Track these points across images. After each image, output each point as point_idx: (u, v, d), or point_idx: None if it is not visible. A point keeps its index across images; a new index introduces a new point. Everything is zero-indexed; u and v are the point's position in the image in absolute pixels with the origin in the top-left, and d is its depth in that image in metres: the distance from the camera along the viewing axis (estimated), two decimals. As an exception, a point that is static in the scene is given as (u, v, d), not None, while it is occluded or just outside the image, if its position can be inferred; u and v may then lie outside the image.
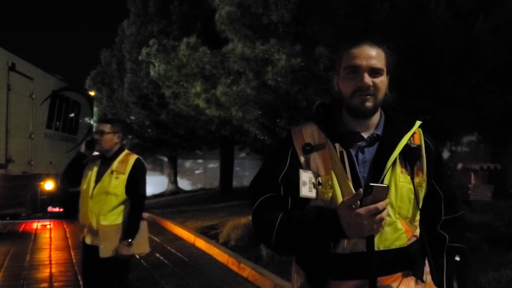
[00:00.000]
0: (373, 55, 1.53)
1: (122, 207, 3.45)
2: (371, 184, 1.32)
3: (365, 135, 1.57)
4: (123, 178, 3.42)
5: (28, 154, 10.21)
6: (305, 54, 6.84)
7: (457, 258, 1.63)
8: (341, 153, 1.53)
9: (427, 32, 6.55)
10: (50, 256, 7.63)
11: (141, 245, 3.54)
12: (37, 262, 7.17)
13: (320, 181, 1.52)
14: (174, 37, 10.60)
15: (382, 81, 1.55)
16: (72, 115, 13.16)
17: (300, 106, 7.78)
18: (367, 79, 1.50)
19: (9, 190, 9.79)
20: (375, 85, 1.52)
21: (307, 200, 1.52)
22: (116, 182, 3.40)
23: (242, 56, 7.21)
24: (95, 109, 16.26)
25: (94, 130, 3.55)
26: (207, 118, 11.00)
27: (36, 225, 11.62)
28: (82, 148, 3.50)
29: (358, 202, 1.33)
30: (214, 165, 24.40)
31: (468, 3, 6.38)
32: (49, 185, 11.39)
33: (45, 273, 6.44)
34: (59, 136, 12.22)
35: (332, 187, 1.50)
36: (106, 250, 3.35)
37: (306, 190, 1.51)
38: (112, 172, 3.42)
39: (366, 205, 1.32)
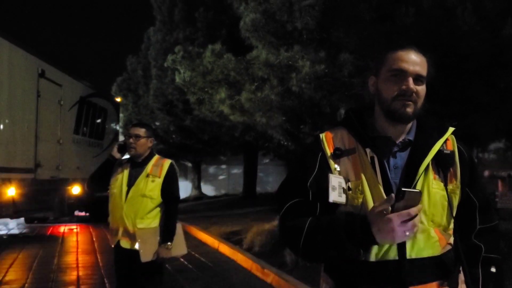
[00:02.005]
0: (418, 61, 1.51)
1: (157, 210, 3.49)
2: (403, 189, 1.29)
3: (397, 140, 1.54)
4: (159, 181, 3.46)
5: (56, 159, 10.44)
6: (329, 61, 6.83)
7: (493, 269, 1.58)
8: (372, 158, 1.50)
9: (454, 37, 6.47)
10: (77, 259, 7.77)
11: (179, 247, 3.59)
12: (65, 265, 7.32)
13: (350, 186, 1.48)
14: (199, 44, 10.73)
15: (423, 89, 1.52)
16: (99, 121, 13.40)
17: (324, 112, 7.77)
18: (412, 84, 1.47)
19: (37, 194, 10.03)
20: (417, 92, 1.49)
21: (336, 205, 1.48)
22: (152, 185, 3.43)
23: (267, 63, 7.24)
24: (121, 115, 16.53)
25: (128, 133, 3.56)
26: (231, 124, 11.05)
27: (63, 228, 11.85)
28: (114, 152, 3.52)
29: (390, 207, 1.29)
30: (237, 170, 24.48)
31: (495, 7, 6.28)
32: (76, 189, 11.61)
33: (72, 276, 6.56)
34: (86, 142, 12.46)
35: (362, 192, 1.46)
36: (146, 254, 3.37)
37: (336, 195, 1.48)
38: (148, 175, 3.45)
39: (397, 210, 1.29)
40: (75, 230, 11.58)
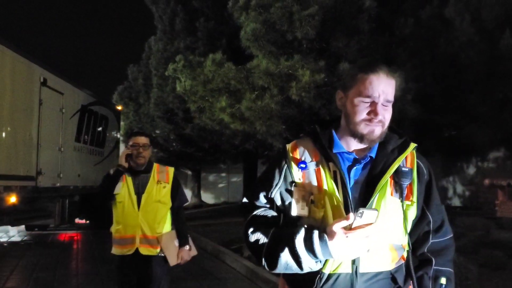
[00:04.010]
0: (389, 86, 1.53)
1: (169, 215, 3.64)
2: (361, 209, 1.35)
3: (360, 156, 1.58)
4: (168, 187, 3.60)
5: (57, 167, 10.46)
6: (329, 70, 6.91)
7: (443, 282, 1.62)
8: (335, 172, 1.55)
9: (452, 48, 6.55)
10: (77, 267, 7.78)
11: (193, 249, 3.80)
12: (65, 272, 7.33)
13: (313, 199, 1.54)
14: (200, 53, 10.81)
15: (390, 111, 1.55)
16: (100, 129, 13.43)
17: (317, 119, 7.84)
18: (381, 112, 1.51)
19: (38, 202, 10.05)
20: (385, 117, 1.53)
21: (298, 216, 1.55)
22: (164, 191, 3.57)
23: (267, 72, 7.32)
24: (121, 123, 16.57)
25: (135, 143, 3.59)
26: (232, 132, 11.11)
27: (63, 236, 11.86)
28: (123, 161, 3.54)
29: (348, 225, 1.37)
30: (237, 178, 24.47)
31: (493, 19, 6.36)
32: (76, 197, 11.64)
33: (72, 283, 6.58)
34: (87, 150, 12.49)
35: (324, 206, 1.52)
36: (173, 258, 3.54)
37: (299, 208, 1.54)
38: (158, 182, 3.56)
39: (355, 228, 1.36)
40: (75, 238, 11.59)
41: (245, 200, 1.70)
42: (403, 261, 1.60)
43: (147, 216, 3.49)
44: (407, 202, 1.56)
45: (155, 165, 3.66)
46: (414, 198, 1.58)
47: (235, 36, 8.75)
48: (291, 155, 1.63)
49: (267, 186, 1.63)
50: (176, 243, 3.61)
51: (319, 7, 6.86)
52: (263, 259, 1.53)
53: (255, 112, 7.76)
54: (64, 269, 7.58)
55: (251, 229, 1.58)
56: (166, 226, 3.60)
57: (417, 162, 1.63)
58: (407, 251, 1.60)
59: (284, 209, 1.59)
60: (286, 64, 7.17)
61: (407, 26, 6.92)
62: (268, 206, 1.62)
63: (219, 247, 8.92)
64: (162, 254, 3.50)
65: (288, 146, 1.67)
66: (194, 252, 3.83)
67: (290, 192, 1.57)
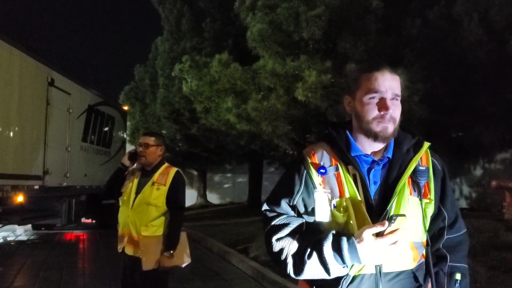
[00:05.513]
0: (394, 81, 1.56)
1: (162, 219, 3.50)
2: (393, 215, 1.39)
3: (377, 157, 1.60)
4: (164, 189, 3.49)
5: (64, 167, 10.52)
6: (335, 70, 6.88)
7: (458, 277, 1.64)
8: (354, 175, 1.56)
9: (460, 48, 6.50)
10: (83, 266, 7.81)
11: (181, 256, 3.57)
12: (71, 272, 7.35)
13: (335, 203, 1.55)
14: (206, 54, 10.81)
15: (400, 107, 1.58)
16: (106, 129, 13.48)
17: (330, 121, 7.81)
18: (391, 106, 1.53)
19: (45, 201, 10.11)
20: (395, 112, 1.55)
21: (321, 222, 1.56)
22: (157, 193, 3.46)
23: (273, 72, 7.31)
24: (128, 123, 16.62)
25: (138, 142, 3.58)
26: (237, 132, 11.10)
27: (70, 235, 11.91)
28: (125, 160, 3.57)
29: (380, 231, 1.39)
30: (243, 179, 24.47)
31: (502, 19, 6.31)
32: (83, 197, 11.69)
33: (79, 282, 6.60)
34: (94, 149, 12.54)
35: (346, 210, 1.53)
36: (148, 263, 3.38)
37: (322, 213, 1.55)
38: (153, 183, 3.49)
39: (385, 234, 1.39)
40: (81, 237, 11.63)
41: (265, 207, 1.68)
42: (423, 259, 1.61)
43: (136, 217, 3.44)
44: (425, 200, 1.58)
45: (162, 166, 3.61)
46: (432, 196, 1.61)
47: (241, 37, 8.75)
48: (310, 160, 1.63)
49: (289, 193, 1.63)
50: (161, 248, 3.44)
51: (325, 8, 6.84)
52: (288, 266, 1.53)
53: (261, 113, 7.75)
54: (70, 269, 7.60)
55: (275, 237, 1.57)
56: (156, 230, 3.46)
57: (432, 160, 1.65)
58: (426, 248, 1.61)
59: (306, 215, 1.60)
60: (293, 65, 7.16)
61: (415, 27, 6.88)
62: (291, 213, 1.62)
63: (225, 248, 8.92)
64: (140, 257, 3.39)
65: (306, 152, 1.67)
66: (185, 260, 3.61)
67: (312, 198, 1.58)
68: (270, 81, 7.45)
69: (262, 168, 19.61)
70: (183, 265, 3.60)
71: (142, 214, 3.44)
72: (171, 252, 3.43)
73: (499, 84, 6.66)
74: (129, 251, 3.46)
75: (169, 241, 3.46)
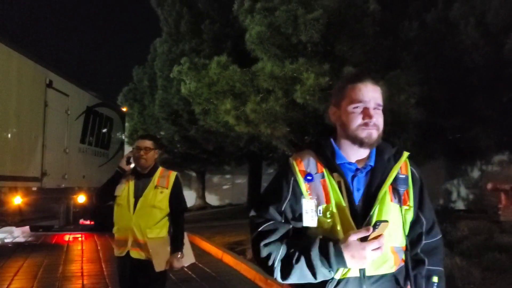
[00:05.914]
0: (376, 92, 1.66)
1: (165, 220, 3.57)
2: (377, 220, 1.47)
3: (360, 165, 1.68)
4: (167, 192, 3.55)
5: (62, 168, 10.53)
6: (333, 73, 6.91)
7: (435, 280, 1.73)
8: (339, 182, 1.63)
9: (457, 51, 6.54)
10: (82, 268, 7.82)
11: (188, 256, 3.69)
12: (69, 273, 7.37)
13: (321, 210, 1.61)
14: (205, 56, 10.82)
15: (382, 115, 1.66)
16: (104, 130, 13.50)
17: (327, 124, 7.83)
18: (374, 115, 1.62)
19: (43, 203, 10.10)
20: (378, 120, 1.64)
21: (307, 227, 1.62)
22: (161, 196, 3.52)
23: (271, 75, 7.33)
24: (126, 124, 16.63)
25: (137, 146, 3.61)
26: (236, 134, 11.12)
27: (68, 237, 11.91)
28: (123, 163, 3.59)
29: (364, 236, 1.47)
30: (241, 180, 24.48)
31: (499, 22, 6.35)
32: (81, 198, 11.69)
33: (77, 284, 6.61)
34: (92, 151, 12.56)
35: (332, 216, 1.60)
36: (160, 264, 3.46)
37: (309, 220, 1.61)
38: (156, 187, 3.53)
39: (369, 239, 1.47)
40: (80, 239, 11.63)
41: (253, 213, 1.74)
42: (403, 263, 1.69)
43: (140, 220, 3.47)
44: (405, 207, 1.68)
45: (159, 169, 3.65)
46: (411, 203, 1.70)
47: (240, 39, 8.76)
48: (297, 168, 1.70)
49: (277, 200, 1.69)
50: (168, 249, 3.54)
51: (323, 11, 6.86)
52: (276, 270, 1.59)
53: (259, 115, 7.77)
54: (68, 270, 7.61)
55: (263, 243, 1.63)
56: (160, 232, 3.54)
57: (411, 169, 1.75)
58: (405, 252, 1.69)
59: (294, 221, 1.66)
60: (291, 67, 7.18)
61: (412, 30, 6.91)
62: (278, 219, 1.68)
63: (223, 249, 8.93)
64: (150, 259, 3.44)
65: (292, 160, 1.74)
66: (190, 260, 3.75)
67: (299, 204, 1.64)
68: (268, 83, 7.47)
69: (261, 169, 19.61)
70: (186, 264, 3.72)
71: (146, 217, 3.49)
72: (180, 253, 3.54)
73: (495, 87, 6.70)
74: (135, 254, 3.48)
75: (177, 243, 3.57)
